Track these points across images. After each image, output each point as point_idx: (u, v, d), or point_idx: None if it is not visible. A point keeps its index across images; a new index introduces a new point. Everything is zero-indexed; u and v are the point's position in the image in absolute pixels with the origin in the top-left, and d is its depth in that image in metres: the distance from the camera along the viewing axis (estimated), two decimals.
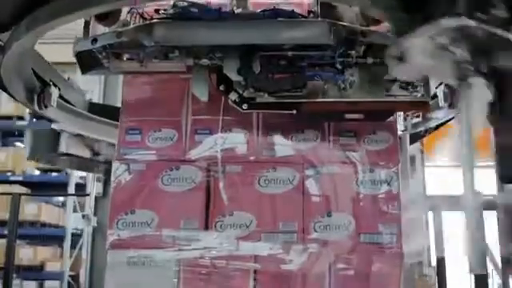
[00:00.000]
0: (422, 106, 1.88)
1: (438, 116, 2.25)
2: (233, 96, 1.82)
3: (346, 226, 1.93)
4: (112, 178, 1.97)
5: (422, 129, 2.48)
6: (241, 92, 1.81)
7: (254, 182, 1.96)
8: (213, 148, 1.99)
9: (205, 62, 1.81)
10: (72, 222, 6.87)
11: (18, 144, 7.96)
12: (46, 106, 2.16)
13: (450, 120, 2.28)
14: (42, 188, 7.34)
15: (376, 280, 1.88)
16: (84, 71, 1.87)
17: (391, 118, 2.04)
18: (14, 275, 5.84)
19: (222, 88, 1.83)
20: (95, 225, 3.51)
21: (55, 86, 2.18)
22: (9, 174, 7.39)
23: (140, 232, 1.91)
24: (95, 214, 3.78)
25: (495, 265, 4.81)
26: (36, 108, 2.14)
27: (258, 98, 1.81)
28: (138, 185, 1.96)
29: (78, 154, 2.84)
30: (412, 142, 2.75)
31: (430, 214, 4.23)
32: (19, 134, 7.94)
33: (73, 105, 2.51)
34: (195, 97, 2.02)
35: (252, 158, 1.99)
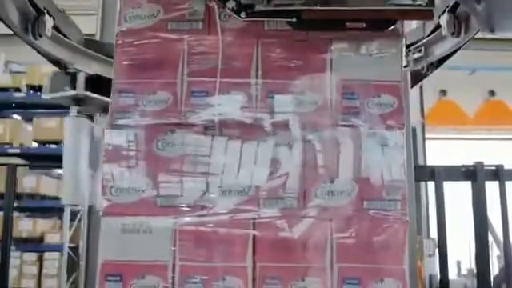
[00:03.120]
0: (426, 15, 1.79)
1: (441, 48, 2.15)
2: (230, 4, 1.75)
3: (349, 193, 1.87)
4: (105, 143, 1.90)
5: (424, 64, 2.36)
6: None
7: (253, 145, 1.88)
8: (210, 111, 1.91)
9: None
10: None
11: (15, 116, 7.86)
12: (40, 36, 2.13)
13: (454, 53, 2.15)
14: (40, 160, 7.27)
15: (379, 247, 1.82)
16: None
17: (397, 80, 1.96)
18: (14, 247, 5.84)
19: None
20: (93, 173, 3.55)
21: (50, 15, 2.16)
22: (6, 146, 7.31)
23: (134, 198, 1.84)
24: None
25: (495, 236, 4.79)
26: (30, 37, 2.11)
27: (256, 5, 1.74)
28: (131, 150, 1.88)
29: None
30: (414, 82, 2.58)
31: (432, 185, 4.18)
32: (16, 106, 7.83)
33: (68, 38, 2.47)
34: (191, 58, 1.93)
35: (250, 121, 1.90)
